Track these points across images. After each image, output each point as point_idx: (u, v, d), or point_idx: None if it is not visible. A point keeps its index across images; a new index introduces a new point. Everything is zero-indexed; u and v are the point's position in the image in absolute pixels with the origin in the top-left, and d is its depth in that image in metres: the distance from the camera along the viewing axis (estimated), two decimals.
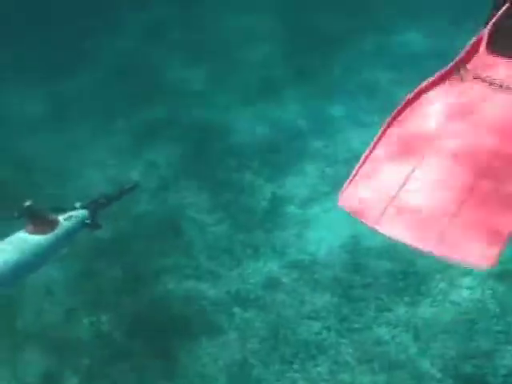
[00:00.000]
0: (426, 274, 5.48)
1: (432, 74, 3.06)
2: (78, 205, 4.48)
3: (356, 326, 5.23)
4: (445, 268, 5.49)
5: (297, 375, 4.96)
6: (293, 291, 5.50)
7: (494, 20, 3.15)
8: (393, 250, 5.70)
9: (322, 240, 5.86)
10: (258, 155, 6.72)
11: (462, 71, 3.06)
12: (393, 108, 2.99)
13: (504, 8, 3.16)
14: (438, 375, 4.84)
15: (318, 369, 4.98)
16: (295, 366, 5.02)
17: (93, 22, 8.31)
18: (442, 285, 5.41)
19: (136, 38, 8.44)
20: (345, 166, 6.54)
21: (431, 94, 3.03)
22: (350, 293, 5.42)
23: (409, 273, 5.52)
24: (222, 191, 6.38)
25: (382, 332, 5.16)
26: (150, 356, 5.13)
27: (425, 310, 5.27)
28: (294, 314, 5.33)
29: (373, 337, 5.15)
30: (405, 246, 5.62)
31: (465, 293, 5.35)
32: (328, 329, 5.21)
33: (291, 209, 6.19)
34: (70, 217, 4.34)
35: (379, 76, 7.41)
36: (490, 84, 2.97)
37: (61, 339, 5.27)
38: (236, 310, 5.39)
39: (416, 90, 3.05)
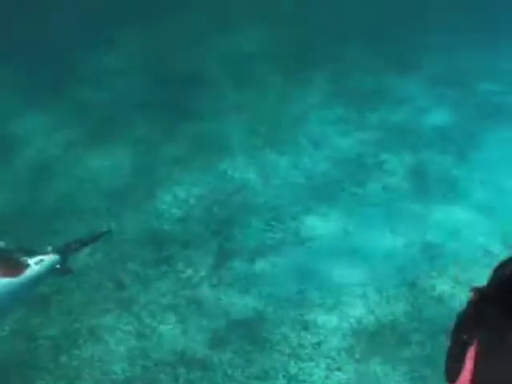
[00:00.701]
0: (375, 332, 5.40)
1: None
2: (49, 249, 4.34)
3: None
4: (393, 325, 5.44)
5: None
6: (240, 350, 5.32)
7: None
8: (342, 306, 5.63)
9: (269, 295, 5.72)
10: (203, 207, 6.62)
11: None
12: None
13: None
14: None
15: None
16: None
17: None
18: (391, 341, 5.33)
19: None
20: (292, 219, 6.48)
21: None
22: (299, 352, 5.28)
23: (359, 330, 5.42)
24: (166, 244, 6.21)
25: None
26: None
27: (375, 368, 5.16)
28: (241, 374, 5.15)
29: None
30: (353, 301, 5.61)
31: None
32: None
33: (237, 263, 6.04)
34: (41, 260, 4.22)
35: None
36: None
37: None
38: (181, 370, 5.17)
39: None
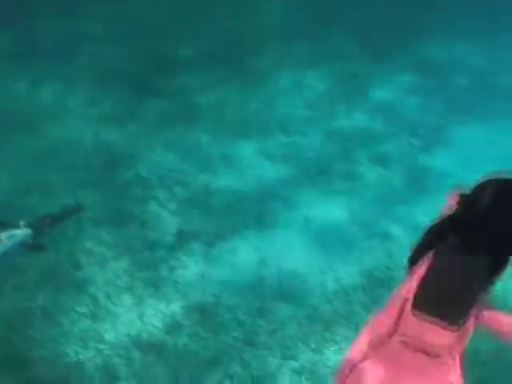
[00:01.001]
0: (331, 321, 5.40)
1: None
2: (22, 223, 4.28)
3: (260, 373, 5.06)
4: (350, 315, 5.44)
5: None
6: (195, 335, 5.28)
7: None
8: (298, 293, 5.61)
9: (227, 281, 5.68)
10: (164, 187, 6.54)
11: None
12: None
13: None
14: None
15: None
16: None
17: None
18: (348, 332, 5.33)
19: None
20: (253, 202, 6.44)
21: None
22: (255, 338, 5.26)
23: (315, 318, 5.42)
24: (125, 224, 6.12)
25: (286, 380, 5.02)
26: None
27: (330, 357, 5.16)
28: (195, 360, 5.11)
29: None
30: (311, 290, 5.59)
31: None
32: (230, 376, 5.01)
33: (196, 246, 5.98)
34: (13, 235, 4.17)
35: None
36: (415, 351, 2.95)
37: None
38: (136, 354, 5.11)
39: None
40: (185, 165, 6.86)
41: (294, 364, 5.12)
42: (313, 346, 5.24)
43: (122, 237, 6.00)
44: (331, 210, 6.39)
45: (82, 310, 5.35)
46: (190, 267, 5.80)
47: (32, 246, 4.43)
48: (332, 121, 7.64)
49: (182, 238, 6.04)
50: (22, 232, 4.29)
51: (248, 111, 7.66)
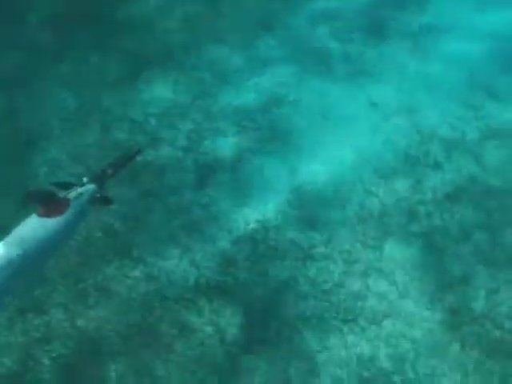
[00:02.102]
0: (382, 214, 5.36)
1: None
2: (85, 179, 4.18)
3: (326, 287, 5.05)
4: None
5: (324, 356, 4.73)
6: (252, 266, 5.21)
7: None
8: (340, 194, 5.54)
9: (266, 202, 5.56)
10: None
11: None
12: None
13: None
14: None
15: (308, 342, 4.79)
16: (283, 346, 4.80)
17: None
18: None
19: None
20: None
21: None
22: (313, 252, 5.21)
23: (364, 216, 5.37)
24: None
25: (357, 285, 5.01)
26: None
27: (391, 250, 5.15)
28: (262, 291, 5.06)
29: (344, 292, 5.00)
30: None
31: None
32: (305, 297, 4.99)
33: (222, 176, 5.82)
34: (81, 194, 4.08)
35: None
36: None
37: None
38: (202, 301, 5.05)
39: None
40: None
41: (358, 267, 5.10)
42: (370, 243, 5.21)
43: (143, 190, 5.80)
44: None
45: (136, 274, 5.23)
46: (225, 199, 5.65)
47: (100, 201, 4.26)
48: None
49: (205, 173, 5.86)
50: (87, 189, 4.13)
51: None
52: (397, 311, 4.83)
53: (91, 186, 4.21)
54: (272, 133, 6.07)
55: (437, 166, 5.62)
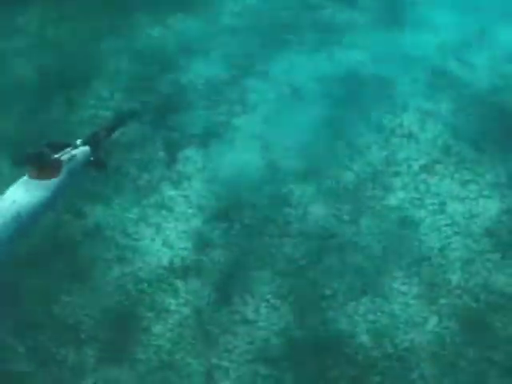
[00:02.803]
0: None
1: None
2: (78, 142, 4.14)
3: (303, 262, 5.00)
4: None
5: None
6: (228, 244, 5.13)
7: None
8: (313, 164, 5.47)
9: (239, 175, 5.47)
10: None
11: None
12: None
13: None
14: None
15: (286, 319, 4.75)
16: (262, 324, 4.76)
17: None
18: None
19: None
20: None
21: None
22: (288, 229, 5.15)
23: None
24: None
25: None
26: None
27: None
28: (238, 269, 4.99)
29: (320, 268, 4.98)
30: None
31: None
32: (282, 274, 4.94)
33: (189, 151, 5.69)
34: (73, 156, 4.05)
35: None
36: None
37: None
38: (178, 283, 4.96)
39: None
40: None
41: (334, 241, 5.06)
42: (346, 218, 5.17)
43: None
44: None
45: (108, 256, 5.11)
46: (194, 176, 5.54)
47: (94, 164, 4.27)
48: None
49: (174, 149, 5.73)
50: (81, 151, 4.11)
51: None
52: (374, 286, 4.81)
53: (85, 149, 4.17)
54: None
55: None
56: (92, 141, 4.26)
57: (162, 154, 5.70)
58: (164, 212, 5.35)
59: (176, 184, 5.50)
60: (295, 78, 6.13)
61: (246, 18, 6.68)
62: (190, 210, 5.33)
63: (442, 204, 5.16)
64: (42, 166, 3.92)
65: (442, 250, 4.92)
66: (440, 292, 4.73)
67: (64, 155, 4.05)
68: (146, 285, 4.97)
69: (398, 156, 5.46)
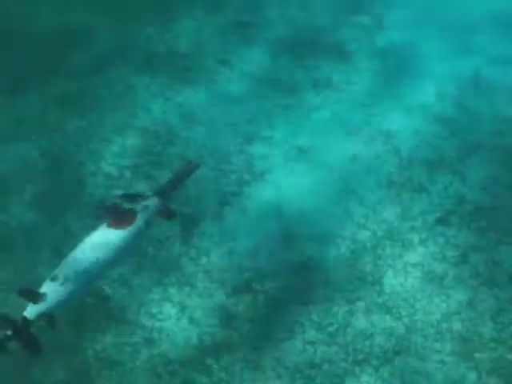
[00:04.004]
0: None
1: None
2: (149, 193, 4.40)
3: (332, 329, 4.99)
4: None
5: None
6: (255, 318, 5.12)
7: None
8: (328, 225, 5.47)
9: (255, 246, 5.48)
10: None
11: None
12: None
13: None
14: None
15: None
16: None
17: None
18: None
19: None
20: None
21: None
22: (313, 295, 5.15)
23: None
24: None
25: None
26: None
27: None
28: (268, 342, 4.98)
29: (350, 332, 4.96)
30: None
31: None
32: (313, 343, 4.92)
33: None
34: (146, 207, 4.28)
35: None
36: None
37: None
38: (209, 361, 4.93)
39: None
40: None
41: (360, 304, 5.06)
42: (369, 278, 5.17)
43: None
44: None
45: (135, 339, 5.08)
46: (212, 250, 5.55)
47: (164, 213, 4.46)
48: None
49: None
50: (152, 202, 4.35)
51: None
52: (406, 346, 4.80)
53: (155, 199, 4.39)
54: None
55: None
56: (162, 191, 4.49)
57: (177, 229, 5.71)
58: (187, 289, 5.34)
59: (195, 260, 5.50)
60: (300, 139, 6.19)
61: (244, 84, 6.77)
62: (212, 285, 5.33)
63: (464, 255, 5.18)
64: (118, 216, 4.22)
65: (469, 302, 4.93)
66: (474, 346, 4.72)
67: (137, 205, 4.30)
68: (177, 365, 4.94)
69: (411, 210, 5.50)
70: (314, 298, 5.12)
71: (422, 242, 5.29)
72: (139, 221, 4.26)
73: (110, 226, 4.20)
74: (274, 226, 5.60)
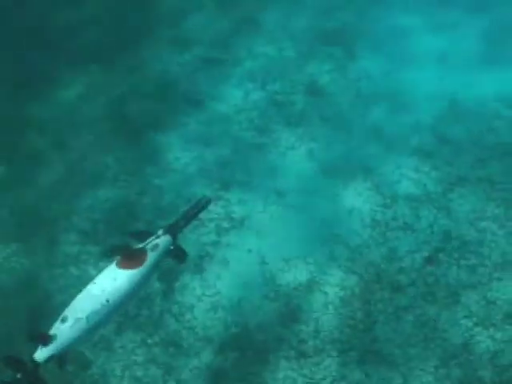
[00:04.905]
0: None
1: None
2: (160, 232, 4.26)
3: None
4: None
5: None
6: (244, 374, 4.90)
7: None
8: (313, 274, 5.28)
9: (238, 298, 5.26)
10: None
11: None
12: None
13: None
14: None
15: None
16: None
17: None
18: None
19: None
20: None
21: None
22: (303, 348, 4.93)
23: None
24: None
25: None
26: None
27: None
28: None
29: None
30: None
31: None
32: None
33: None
34: (156, 246, 4.19)
35: None
36: None
37: None
38: None
39: None
40: None
41: (354, 354, 4.86)
42: (360, 326, 4.98)
43: None
44: None
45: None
46: (195, 305, 5.33)
47: (174, 252, 4.30)
48: None
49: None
50: (163, 240, 4.21)
51: None
52: None
53: (166, 238, 4.26)
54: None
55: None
56: (172, 230, 4.33)
57: (157, 285, 5.49)
58: (172, 349, 5.12)
59: (178, 316, 5.29)
60: (278, 182, 6.01)
61: (215, 127, 6.58)
62: (198, 344, 5.11)
63: (455, 295, 5.02)
64: (127, 256, 4.11)
65: (465, 345, 4.76)
66: None
67: (148, 244, 4.19)
68: None
69: (398, 251, 5.33)
70: (305, 351, 4.92)
71: (412, 284, 5.12)
72: (149, 261, 4.14)
73: (119, 266, 4.09)
74: (258, 275, 5.40)
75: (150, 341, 5.19)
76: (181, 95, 6.97)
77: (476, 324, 4.86)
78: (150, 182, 6.25)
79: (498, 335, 4.78)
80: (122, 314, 5.25)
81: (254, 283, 5.36)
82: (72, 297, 4.03)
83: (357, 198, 5.73)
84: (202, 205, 4.55)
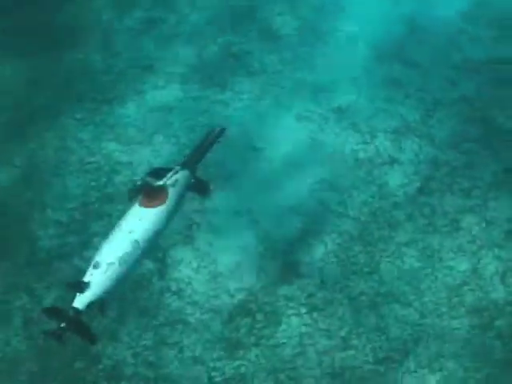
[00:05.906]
0: None
1: None
2: (177, 167, 4.21)
3: None
4: None
5: None
6: None
7: None
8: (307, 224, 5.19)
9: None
10: None
11: None
12: None
13: None
14: None
15: None
16: None
17: None
18: None
19: None
20: None
21: None
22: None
23: None
24: None
25: None
26: None
27: None
28: None
29: None
30: None
31: None
32: None
33: None
34: (176, 181, 4.14)
35: None
36: None
37: None
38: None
39: None
40: None
41: None
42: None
43: None
44: None
45: None
46: (193, 278, 5.19)
47: (196, 186, 4.28)
48: None
49: None
50: (181, 175, 4.18)
51: None
52: (423, 332, 4.60)
53: (184, 172, 4.22)
54: None
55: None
56: (189, 163, 4.29)
57: (150, 265, 5.32)
58: (180, 327, 4.99)
59: (179, 293, 5.15)
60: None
61: (173, 91, 6.33)
62: (205, 317, 4.99)
63: (455, 221, 4.98)
64: (149, 194, 4.07)
65: (474, 270, 4.75)
66: (491, 315, 4.54)
67: (167, 181, 4.14)
68: None
69: (389, 186, 5.26)
70: (316, 304, 4.85)
71: (409, 218, 5.07)
72: (171, 197, 4.10)
73: (142, 205, 4.05)
74: (252, 236, 5.27)
75: (155, 322, 5.04)
76: (128, 62, 6.68)
77: (480, 247, 4.85)
78: (119, 161, 6.01)
79: (504, 254, 4.77)
80: (120, 300, 5.13)
81: (248, 244, 5.23)
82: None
83: (335, 140, 5.61)
84: (215, 134, 4.46)
